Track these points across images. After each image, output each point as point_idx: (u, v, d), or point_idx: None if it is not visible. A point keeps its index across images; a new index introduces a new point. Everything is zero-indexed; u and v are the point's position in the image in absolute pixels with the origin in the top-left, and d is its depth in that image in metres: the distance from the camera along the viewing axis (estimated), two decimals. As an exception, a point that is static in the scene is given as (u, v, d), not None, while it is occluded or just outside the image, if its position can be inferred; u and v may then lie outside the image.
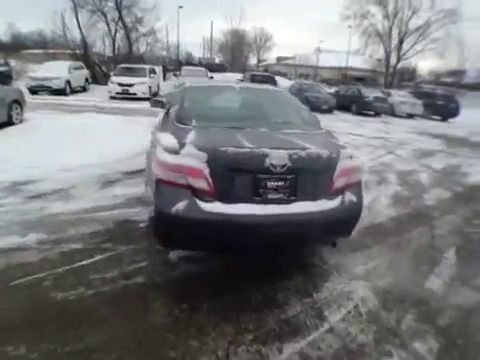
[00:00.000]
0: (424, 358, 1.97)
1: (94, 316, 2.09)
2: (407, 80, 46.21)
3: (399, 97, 16.68)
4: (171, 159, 2.13)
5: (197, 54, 43.51)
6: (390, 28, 34.28)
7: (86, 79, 15.22)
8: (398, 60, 36.43)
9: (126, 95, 12.64)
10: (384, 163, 6.78)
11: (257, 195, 2.22)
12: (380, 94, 16.08)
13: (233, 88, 3.46)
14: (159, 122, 3.32)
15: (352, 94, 16.39)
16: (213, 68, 23.85)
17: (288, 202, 2.28)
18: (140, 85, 12.62)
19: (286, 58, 52.95)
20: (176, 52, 34.55)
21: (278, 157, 2.18)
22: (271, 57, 52.26)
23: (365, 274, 2.78)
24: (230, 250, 2.52)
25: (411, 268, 2.96)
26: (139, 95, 12.70)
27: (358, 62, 39.97)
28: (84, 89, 15.04)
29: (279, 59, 54.26)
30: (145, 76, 13.19)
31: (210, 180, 2.12)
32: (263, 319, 2.16)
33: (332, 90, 18.46)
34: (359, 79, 39.80)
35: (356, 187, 2.59)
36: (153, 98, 5.01)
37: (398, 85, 34.21)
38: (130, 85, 12.41)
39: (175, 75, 14.09)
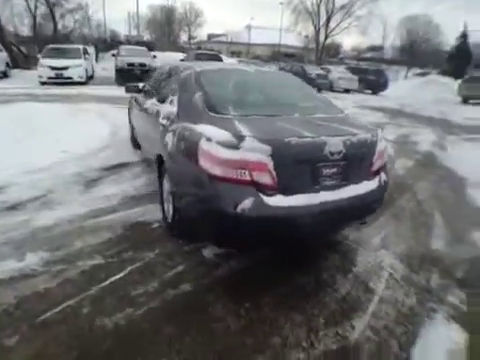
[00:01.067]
0: (460, 307, 2.25)
1: (160, 339, 1.81)
2: (332, 56, 49.10)
3: (337, 73, 17.61)
4: (231, 154, 1.93)
5: (122, 32, 40.03)
6: (318, 6, 35.56)
7: (7, 63, 12.88)
8: (326, 37, 38.24)
9: (60, 80, 11.02)
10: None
11: (316, 184, 2.19)
12: (321, 71, 16.75)
13: (246, 72, 3.28)
14: (152, 113, 3.04)
15: (296, 71, 16.75)
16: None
17: (341, 187, 2.29)
18: (76, 68, 11.09)
19: (218, 35, 51.95)
20: (100, 30, 31.35)
21: (335, 144, 2.16)
22: (202, 34, 50.68)
23: (382, 244, 2.97)
24: (287, 242, 2.42)
25: (414, 233, 3.23)
26: (75, 79, 11.20)
27: (291, 39, 40.95)
28: (5, 75, 12.72)
29: (210, 36, 52.98)
30: (80, 57, 11.60)
31: (274, 173, 2.00)
32: (323, 302, 2.21)
33: (273, 68, 18.64)
34: (289, 55, 41.01)
35: (385, 167, 2.71)
36: (129, 84, 4.44)
37: (325, 61, 36.06)
38: (64, 68, 10.83)
39: (114, 56, 12.70)
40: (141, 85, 4.33)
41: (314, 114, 2.66)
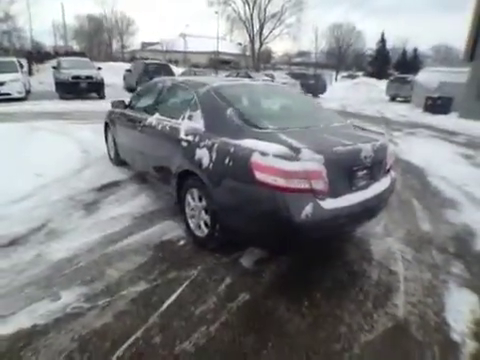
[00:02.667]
0: (462, 276, 2.66)
1: (248, 349, 1.82)
2: (265, 62, 51.27)
3: (281, 79, 18.37)
4: (293, 166, 2.06)
5: (47, 43, 37.00)
6: (251, 14, 36.94)
7: None
8: (261, 44, 39.90)
9: (-4, 96, 9.87)
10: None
11: (352, 185, 2.42)
12: (267, 78, 17.36)
13: (256, 85, 3.44)
14: (164, 129, 3.02)
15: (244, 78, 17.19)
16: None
17: (369, 186, 2.56)
18: (13, 83, 9.89)
19: (152, 44, 50.87)
20: (22, 42, 28.59)
21: (367, 150, 2.44)
22: (136, 43, 49.12)
23: (386, 231, 3.31)
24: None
25: (404, 219, 3.61)
26: (14, 95, 10.00)
27: (227, 47, 41.79)
28: None
29: (144, 45, 51.66)
30: (16, 71, 10.40)
31: (326, 179, 2.18)
32: (363, 289, 2.42)
33: (222, 76, 18.87)
34: (226, 62, 41.85)
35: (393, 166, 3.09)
36: (115, 99, 4.20)
37: (259, 67, 37.56)
38: (0, 83, 9.70)
39: (55, 68, 11.65)
40: (127, 101, 4.14)
41: (332, 123, 2.92)
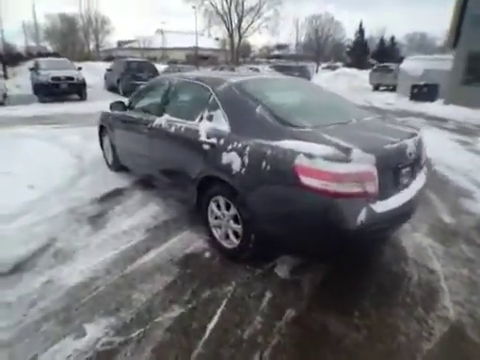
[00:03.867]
0: None
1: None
2: (244, 56, 50.94)
3: (266, 72, 18.17)
4: (345, 168, 1.84)
5: (18, 43, 35.20)
6: (229, 9, 36.37)
7: None
8: (240, 38, 39.46)
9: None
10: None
11: (397, 184, 2.24)
12: (254, 71, 17.12)
13: (275, 79, 3.22)
14: (177, 131, 2.76)
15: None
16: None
17: (410, 183, 2.38)
18: None
19: (128, 42, 49.53)
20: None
21: (411, 146, 2.27)
22: (112, 41, 47.59)
23: (412, 228, 3.14)
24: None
25: (425, 212, 3.42)
26: (-10, 100, 9.44)
27: (206, 42, 41.13)
28: None
29: (120, 43, 50.22)
30: (-10, 74, 9.81)
31: (377, 181, 1.98)
32: (410, 293, 2.26)
33: (206, 71, 18.44)
34: (204, 58, 41.29)
35: None
36: (113, 102, 3.85)
37: (238, 61, 37.19)
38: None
39: (32, 70, 10.94)
40: (126, 102, 3.80)
41: (363, 117, 2.68)
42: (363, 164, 1.88)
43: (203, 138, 2.52)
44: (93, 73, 15.03)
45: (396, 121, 2.91)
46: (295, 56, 45.24)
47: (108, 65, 15.08)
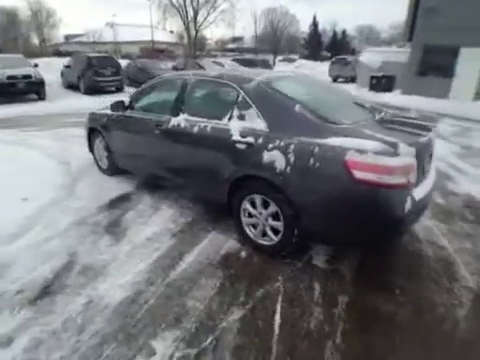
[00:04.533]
0: None
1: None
2: (200, 49, 50.26)
3: (229, 66, 18.08)
4: (396, 162, 1.96)
5: None
6: (184, 1, 35.47)
7: None
8: (196, 32, 38.75)
9: None
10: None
11: (422, 173, 2.39)
12: (218, 66, 16.94)
13: (297, 77, 3.24)
14: (202, 131, 2.70)
15: (194, 68, 16.54)
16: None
17: (430, 172, 2.58)
18: None
19: (76, 35, 46.49)
20: None
21: (433, 138, 2.51)
22: (59, 35, 44.30)
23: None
24: None
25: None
26: None
27: (162, 35, 39.83)
28: None
29: (68, 37, 46.99)
30: None
31: (416, 171, 2.14)
32: (432, 268, 2.51)
33: (169, 65, 17.86)
34: (159, 51, 40.11)
35: None
36: (114, 102, 3.60)
37: (195, 54, 36.59)
38: None
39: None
40: (127, 101, 3.58)
41: (381, 113, 2.81)
42: (408, 157, 2.02)
43: (237, 137, 2.48)
44: (47, 70, 13.89)
45: (406, 115, 3.09)
46: (251, 49, 45.50)
47: (61, 61, 13.98)
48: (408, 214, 2.06)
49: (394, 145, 2.00)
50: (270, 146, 2.30)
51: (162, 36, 40.59)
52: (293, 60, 36.31)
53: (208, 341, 1.80)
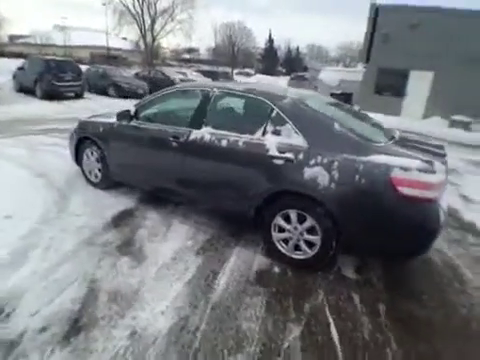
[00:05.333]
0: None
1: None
2: (155, 58, 49.50)
3: (193, 76, 18.06)
4: (436, 178, 2.13)
5: None
6: (141, 9, 34.82)
7: None
8: (153, 40, 38.14)
9: None
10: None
11: None
12: (182, 76, 16.82)
13: (318, 95, 3.34)
14: (233, 145, 2.65)
15: (158, 77, 16.24)
16: None
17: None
18: None
19: (22, 36, 43.14)
20: None
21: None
22: (2, 35, 40.60)
23: None
24: None
25: None
26: None
27: (117, 42, 38.49)
28: None
29: (13, 38, 43.40)
30: None
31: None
32: (441, 271, 2.77)
33: (132, 73, 17.24)
34: (113, 58, 38.82)
35: None
36: (121, 111, 3.35)
37: (152, 63, 35.96)
38: None
39: None
40: (133, 110, 3.36)
41: (396, 133, 2.98)
42: (442, 173, 2.18)
43: (273, 152, 2.45)
44: (-6, 72, 12.63)
45: (417, 136, 3.36)
46: (206, 61, 45.84)
47: (11, 63, 12.77)
48: (442, 225, 2.20)
49: (431, 163, 2.16)
50: (312, 162, 2.32)
51: (117, 43, 39.20)
52: (250, 74, 37.17)
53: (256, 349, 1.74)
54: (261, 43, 47.70)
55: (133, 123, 3.34)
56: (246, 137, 2.62)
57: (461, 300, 2.39)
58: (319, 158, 2.31)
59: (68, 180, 4.14)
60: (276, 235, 2.62)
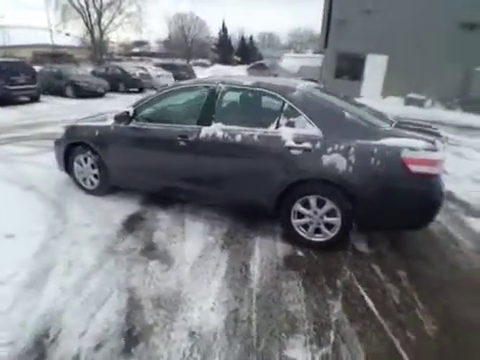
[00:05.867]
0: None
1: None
2: (103, 54, 47.17)
3: (155, 72, 17.54)
4: (439, 156, 2.40)
5: None
6: (86, 2, 32.79)
7: None
8: (101, 35, 36.23)
9: None
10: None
11: None
12: (143, 71, 16.28)
13: (317, 86, 3.40)
14: (247, 139, 2.74)
15: (116, 73, 15.59)
16: None
17: None
18: None
19: None
20: None
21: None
22: None
23: None
24: None
25: None
26: None
27: (65, 39, 36.03)
28: None
29: None
30: None
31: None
32: (440, 238, 3.14)
33: (88, 70, 16.29)
34: (57, 55, 36.49)
35: None
36: (120, 112, 3.23)
37: (101, 59, 34.34)
38: None
39: None
40: (131, 111, 3.28)
41: (393, 118, 3.18)
42: (443, 151, 2.44)
43: (290, 143, 2.57)
44: None
45: (414, 120, 3.67)
46: (159, 54, 44.47)
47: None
48: (444, 196, 2.49)
49: (433, 142, 2.42)
50: (329, 150, 2.48)
51: (62, 40, 36.67)
52: (206, 65, 36.67)
53: (333, 336, 1.89)
54: (214, 33, 47.25)
55: (133, 124, 3.27)
56: (260, 130, 2.71)
57: (460, 258, 2.79)
58: (336, 146, 2.47)
59: (58, 190, 3.96)
60: (296, 221, 2.76)
